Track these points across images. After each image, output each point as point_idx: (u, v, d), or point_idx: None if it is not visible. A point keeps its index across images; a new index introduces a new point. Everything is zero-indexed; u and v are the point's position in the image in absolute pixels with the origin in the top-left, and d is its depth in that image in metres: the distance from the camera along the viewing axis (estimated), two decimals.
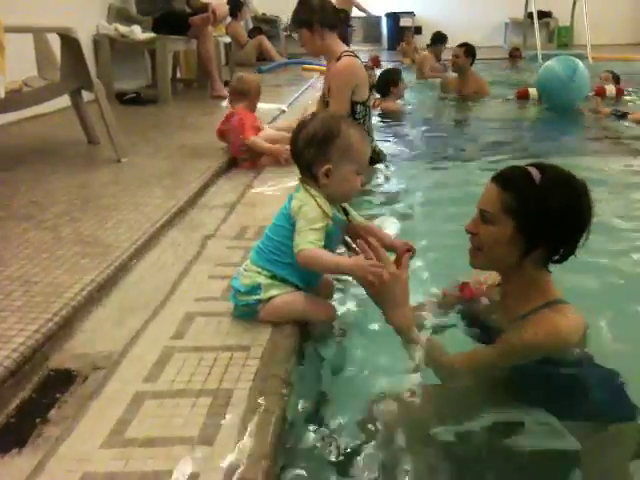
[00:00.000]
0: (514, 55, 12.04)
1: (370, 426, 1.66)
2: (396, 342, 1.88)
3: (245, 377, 1.68)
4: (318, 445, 1.60)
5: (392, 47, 15.05)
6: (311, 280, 1.98)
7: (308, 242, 1.79)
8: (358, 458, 1.56)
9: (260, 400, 1.58)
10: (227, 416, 1.52)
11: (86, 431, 1.48)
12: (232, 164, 4.02)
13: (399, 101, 6.84)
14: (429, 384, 1.79)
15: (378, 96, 6.62)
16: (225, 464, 1.36)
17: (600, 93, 6.73)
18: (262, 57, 10.86)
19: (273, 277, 1.92)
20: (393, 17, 15.55)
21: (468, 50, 7.19)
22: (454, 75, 7.68)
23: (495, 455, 1.62)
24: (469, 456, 1.62)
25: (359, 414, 1.71)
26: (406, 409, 1.72)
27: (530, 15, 13.38)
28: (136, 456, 1.39)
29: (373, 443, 1.61)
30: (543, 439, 1.63)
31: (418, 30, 15.17)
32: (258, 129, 4.03)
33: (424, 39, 13.15)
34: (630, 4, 15.38)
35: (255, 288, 1.91)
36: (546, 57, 11.55)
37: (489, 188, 1.73)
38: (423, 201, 3.70)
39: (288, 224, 1.87)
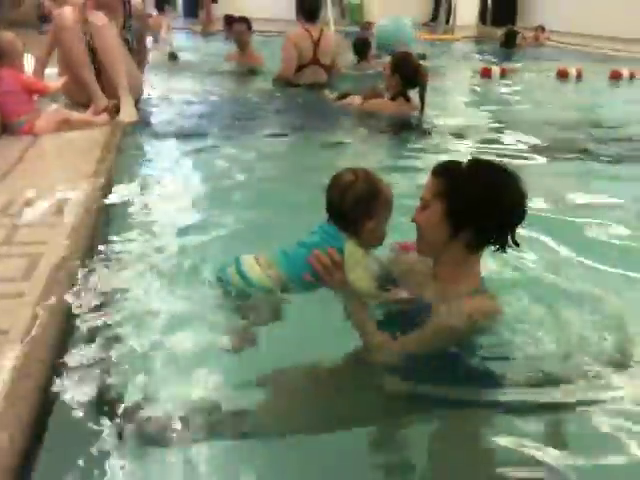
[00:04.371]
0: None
1: None
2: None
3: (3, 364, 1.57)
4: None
5: (188, 14, 14.55)
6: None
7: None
8: None
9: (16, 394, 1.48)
10: None
11: None
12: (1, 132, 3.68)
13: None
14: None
15: None
16: None
17: None
18: (46, 18, 9.99)
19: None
20: None
21: (249, 25, 7.33)
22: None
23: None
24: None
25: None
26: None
27: None
28: None
29: None
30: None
31: None
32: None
33: (220, 8, 12.96)
34: None
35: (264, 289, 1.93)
36: (339, 33, 11.94)
37: (427, 179, 1.84)
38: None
39: None
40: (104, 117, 4.10)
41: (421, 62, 5.01)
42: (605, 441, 1.59)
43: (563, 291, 2.19)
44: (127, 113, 4.32)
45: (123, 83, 4.37)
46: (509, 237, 1.80)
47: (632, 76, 7.52)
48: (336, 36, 6.62)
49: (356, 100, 5.11)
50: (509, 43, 10.65)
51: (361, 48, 7.41)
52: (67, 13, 4.33)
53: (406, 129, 4.68)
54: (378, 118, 4.79)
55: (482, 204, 1.75)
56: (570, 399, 1.71)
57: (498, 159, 2.04)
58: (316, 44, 6.16)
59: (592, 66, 8.32)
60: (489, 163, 1.89)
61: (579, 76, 7.52)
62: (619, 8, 12.24)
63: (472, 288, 1.80)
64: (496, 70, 7.50)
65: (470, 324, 1.73)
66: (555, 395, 1.72)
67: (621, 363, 1.84)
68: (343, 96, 5.32)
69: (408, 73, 4.71)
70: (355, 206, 1.89)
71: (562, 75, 7.51)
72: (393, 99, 4.81)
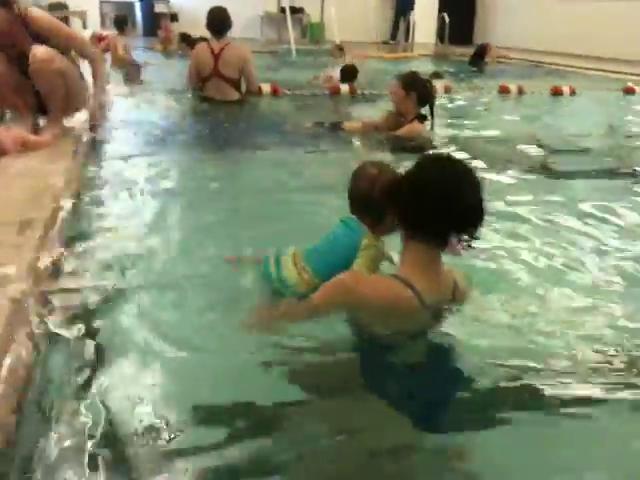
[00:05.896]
0: None
1: None
2: None
3: None
4: None
5: (148, 34, 14.59)
6: None
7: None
8: None
9: None
10: None
11: None
12: None
13: None
14: None
15: None
16: None
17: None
18: None
19: None
20: (147, 2, 15.11)
21: None
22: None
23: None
24: None
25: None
26: None
27: (283, 10, 13.82)
28: None
29: None
30: None
31: (175, 17, 14.89)
32: None
33: (180, 26, 13.00)
34: (376, 3, 16.43)
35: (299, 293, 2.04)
36: (300, 52, 11.95)
37: None
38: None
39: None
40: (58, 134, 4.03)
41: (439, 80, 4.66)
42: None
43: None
44: (49, 131, 4.12)
45: (57, 114, 4.22)
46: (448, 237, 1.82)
47: (572, 92, 7.82)
48: (244, 49, 6.55)
49: (367, 123, 5.04)
50: (476, 60, 10.98)
51: (347, 76, 7.31)
52: None
53: (419, 146, 4.48)
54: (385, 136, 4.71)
55: (406, 192, 1.86)
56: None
57: None
58: (216, 57, 6.20)
59: (538, 81, 8.64)
60: (437, 158, 1.99)
61: (520, 92, 7.80)
62: (570, 25, 12.63)
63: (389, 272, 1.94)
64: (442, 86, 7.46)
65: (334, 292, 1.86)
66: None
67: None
68: (336, 124, 5.18)
69: (423, 91, 4.60)
70: (383, 196, 2.00)
71: (504, 91, 7.79)
72: (420, 120, 4.66)
